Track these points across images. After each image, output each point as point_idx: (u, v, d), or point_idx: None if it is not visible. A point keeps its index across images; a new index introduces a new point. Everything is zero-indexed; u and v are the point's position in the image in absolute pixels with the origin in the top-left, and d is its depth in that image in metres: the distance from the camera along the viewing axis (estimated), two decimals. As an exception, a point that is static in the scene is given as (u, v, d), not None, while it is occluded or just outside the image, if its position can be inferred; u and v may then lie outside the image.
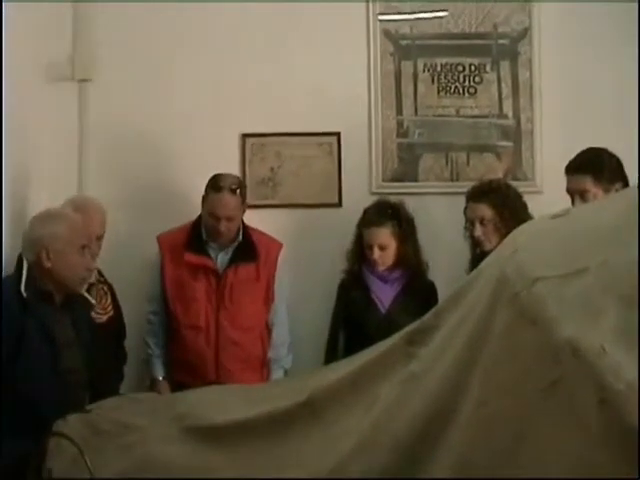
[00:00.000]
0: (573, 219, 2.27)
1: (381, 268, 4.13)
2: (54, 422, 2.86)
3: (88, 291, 3.89)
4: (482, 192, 3.94)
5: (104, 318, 3.96)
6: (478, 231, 3.87)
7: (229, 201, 4.06)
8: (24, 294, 3.18)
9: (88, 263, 3.40)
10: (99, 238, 3.90)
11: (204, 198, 4.12)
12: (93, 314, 3.89)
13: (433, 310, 2.46)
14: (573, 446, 1.60)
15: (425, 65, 4.58)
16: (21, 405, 3.08)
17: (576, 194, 3.65)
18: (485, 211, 3.87)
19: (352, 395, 2.46)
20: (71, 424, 2.84)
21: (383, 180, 4.59)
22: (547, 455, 1.67)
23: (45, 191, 4.32)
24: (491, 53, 4.58)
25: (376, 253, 4.09)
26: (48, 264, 3.24)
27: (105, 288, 4.05)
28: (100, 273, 4.06)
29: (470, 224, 3.95)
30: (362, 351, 2.71)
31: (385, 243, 4.10)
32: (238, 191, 4.09)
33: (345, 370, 2.59)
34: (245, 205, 4.19)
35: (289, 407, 2.56)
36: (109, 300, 4.04)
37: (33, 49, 4.22)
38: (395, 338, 2.53)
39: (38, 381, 3.15)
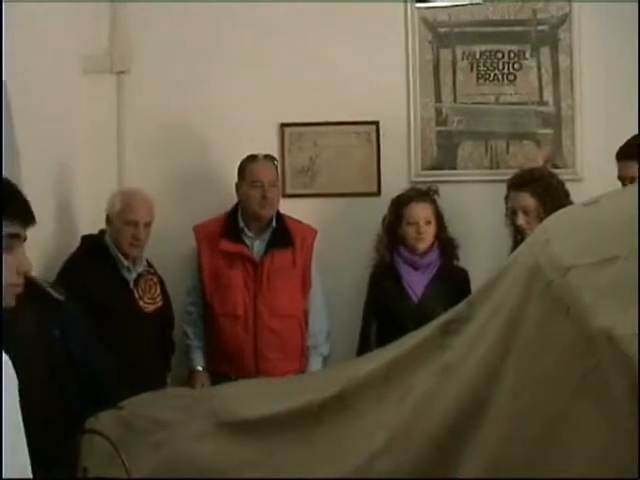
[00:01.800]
0: (604, 207, 2.24)
1: (421, 246, 4.12)
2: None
3: (137, 281, 3.96)
4: (525, 181, 3.89)
5: (152, 308, 4.00)
6: (521, 220, 3.83)
7: (267, 166, 4.15)
8: None
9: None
10: (147, 225, 3.95)
11: (240, 175, 4.17)
12: (142, 303, 3.96)
13: (466, 300, 2.45)
14: (604, 437, 1.59)
15: (464, 53, 4.55)
16: None
17: (627, 180, 3.59)
18: (528, 200, 3.82)
19: (385, 387, 2.46)
20: (103, 421, 2.86)
21: (422, 168, 4.57)
22: (578, 448, 1.66)
23: (85, 183, 4.38)
24: (530, 39, 4.53)
25: (423, 228, 4.10)
26: None
27: (155, 279, 4.08)
28: (149, 264, 4.11)
29: (512, 213, 3.91)
30: (395, 342, 2.71)
31: (429, 219, 4.13)
32: (273, 161, 4.20)
33: (378, 362, 2.59)
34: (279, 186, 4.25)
35: (322, 400, 2.57)
36: (158, 291, 4.07)
37: (71, 42, 4.29)
38: (428, 329, 2.52)
39: None
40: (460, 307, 2.44)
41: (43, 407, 3.05)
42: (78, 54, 4.45)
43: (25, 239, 2.02)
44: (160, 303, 4.06)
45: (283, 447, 2.58)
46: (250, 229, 4.17)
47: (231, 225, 4.18)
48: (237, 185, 4.20)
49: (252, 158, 4.16)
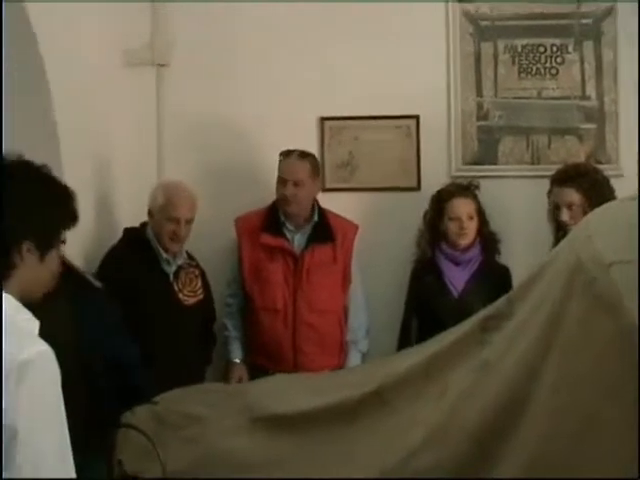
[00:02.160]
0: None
1: (463, 241, 4.10)
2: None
3: (177, 274, 3.98)
4: (570, 176, 3.83)
5: (192, 301, 4.01)
6: (565, 216, 3.77)
7: (297, 164, 4.11)
8: None
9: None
10: (188, 222, 3.95)
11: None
12: (181, 296, 3.97)
13: (506, 296, 2.43)
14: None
15: (505, 46, 4.49)
16: None
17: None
18: (573, 195, 3.76)
19: (424, 384, 2.45)
20: (138, 416, 2.89)
21: (462, 163, 4.53)
22: (612, 447, 1.64)
23: (124, 175, 4.40)
24: (574, 33, 4.46)
25: (465, 223, 4.08)
26: None
27: (196, 272, 4.09)
28: (190, 257, 4.13)
29: (556, 208, 3.84)
30: (434, 338, 2.69)
31: (471, 214, 4.11)
32: (309, 159, 4.14)
33: (417, 358, 2.58)
34: (318, 181, 4.24)
35: (359, 396, 2.56)
36: (199, 284, 4.08)
37: (113, 35, 4.30)
38: (468, 325, 2.50)
39: None
40: (500, 303, 2.42)
41: (76, 397, 3.13)
42: (119, 47, 4.45)
43: None
44: (201, 296, 4.07)
45: (319, 443, 2.58)
46: (291, 223, 4.17)
47: (272, 218, 4.18)
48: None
49: (286, 154, 4.15)
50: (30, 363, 1.77)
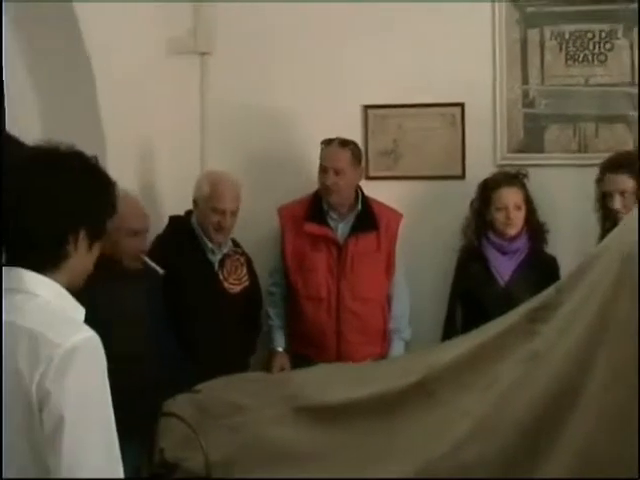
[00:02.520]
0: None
1: (511, 231, 4.05)
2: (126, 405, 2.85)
3: (222, 263, 3.97)
4: (622, 163, 3.76)
5: (237, 289, 4.02)
6: (618, 203, 3.70)
7: (337, 152, 4.09)
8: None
9: (140, 246, 3.44)
10: (233, 213, 3.94)
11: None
12: (226, 285, 3.97)
13: (555, 286, 2.39)
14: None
15: (552, 32, 4.41)
16: None
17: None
18: (627, 182, 3.69)
19: (470, 375, 2.42)
20: (180, 404, 2.90)
21: (508, 151, 4.46)
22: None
23: (168, 164, 4.42)
24: (623, 19, 4.36)
25: (512, 213, 4.03)
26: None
27: (242, 259, 4.09)
28: (236, 244, 4.12)
29: (607, 196, 3.78)
30: (479, 328, 2.66)
31: (519, 204, 4.06)
32: (349, 147, 4.11)
33: (462, 349, 2.55)
34: (361, 169, 4.21)
35: (403, 387, 2.54)
36: (244, 271, 4.08)
37: (156, 24, 4.32)
38: (515, 315, 2.47)
39: None
40: (548, 293, 2.39)
41: (148, 371, 3.25)
42: (162, 35, 4.47)
43: None
44: (246, 283, 4.07)
45: (362, 434, 2.57)
46: (334, 212, 4.15)
47: (316, 207, 4.17)
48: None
49: (327, 142, 4.13)
50: (76, 350, 1.76)
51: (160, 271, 3.54)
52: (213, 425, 2.83)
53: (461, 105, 4.48)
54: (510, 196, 4.05)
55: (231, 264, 4.02)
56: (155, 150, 4.43)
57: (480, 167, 4.37)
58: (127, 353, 3.13)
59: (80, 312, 1.95)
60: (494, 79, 4.45)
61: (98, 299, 3.12)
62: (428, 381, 2.50)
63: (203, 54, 4.59)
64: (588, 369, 2.00)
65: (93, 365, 1.80)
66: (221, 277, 3.98)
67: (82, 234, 1.92)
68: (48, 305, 1.85)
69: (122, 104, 4.00)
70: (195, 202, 4.00)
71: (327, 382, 2.93)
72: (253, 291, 4.16)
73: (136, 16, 4.06)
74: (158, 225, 4.10)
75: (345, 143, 4.13)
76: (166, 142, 4.48)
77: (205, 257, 3.97)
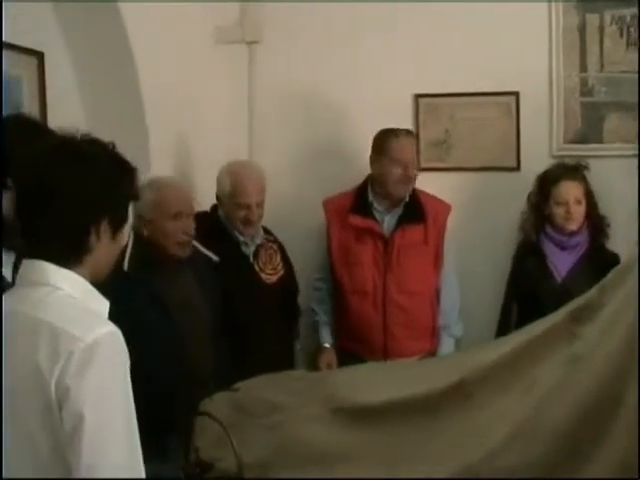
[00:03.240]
0: None
1: (571, 226, 3.93)
2: (181, 394, 2.93)
3: (256, 254, 3.89)
4: None
5: (274, 278, 3.94)
6: None
7: (410, 143, 4.02)
8: (125, 268, 3.17)
9: (184, 227, 3.35)
10: (259, 205, 3.84)
11: (378, 149, 4.02)
12: (263, 276, 3.89)
13: (599, 285, 2.26)
14: None
15: (612, 17, 4.21)
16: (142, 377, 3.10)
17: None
18: None
19: (509, 377, 2.34)
20: (217, 403, 2.85)
21: (565, 142, 4.30)
22: None
23: (215, 154, 4.37)
24: (688, 1, 4.18)
25: (572, 208, 3.91)
26: (146, 233, 3.27)
27: (275, 247, 4.02)
28: (268, 232, 4.04)
29: None
30: (522, 329, 2.54)
31: (580, 198, 3.93)
32: (413, 136, 4.06)
33: (502, 350, 2.45)
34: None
35: (442, 389, 2.46)
36: (278, 259, 4.00)
37: (203, 13, 4.28)
38: (558, 315, 2.36)
39: (155, 353, 3.07)
40: (592, 292, 2.27)
41: (206, 356, 3.34)
42: (210, 25, 4.44)
43: None
44: (282, 272, 4.00)
45: (400, 436, 2.50)
46: (380, 204, 4.05)
47: (361, 199, 4.08)
48: (372, 159, 4.06)
49: (393, 133, 4.00)
50: (98, 344, 1.71)
51: (214, 258, 3.52)
52: (249, 424, 2.80)
53: (516, 94, 4.34)
54: (571, 190, 3.93)
55: (265, 254, 3.95)
56: (202, 141, 4.38)
57: (536, 158, 4.24)
58: (187, 339, 3.26)
59: (104, 306, 1.90)
60: (551, 66, 4.30)
61: (156, 286, 3.23)
62: (467, 383, 2.41)
63: (251, 43, 4.55)
64: (629, 375, 1.88)
65: (115, 361, 1.76)
66: (257, 268, 3.90)
67: (104, 224, 1.86)
68: (70, 299, 1.81)
69: (169, 95, 3.98)
70: (218, 197, 3.91)
71: (366, 383, 2.86)
72: (289, 278, 4.08)
73: (184, 6, 4.04)
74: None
75: (410, 133, 4.06)
76: (214, 132, 4.45)
77: (239, 250, 3.88)
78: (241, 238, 3.86)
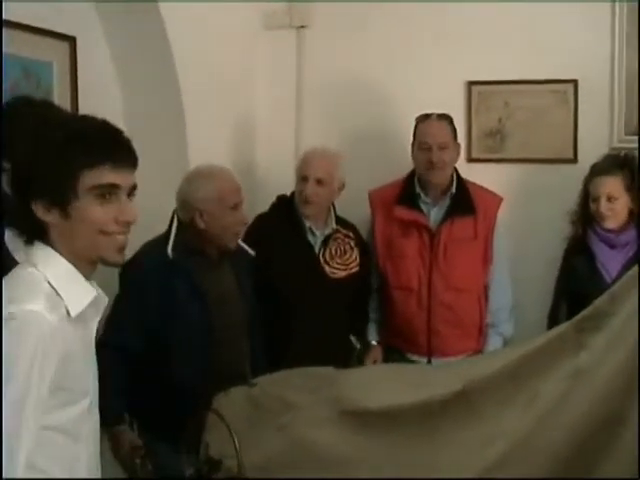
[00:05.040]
0: None
1: (609, 224, 3.71)
2: (212, 388, 2.85)
3: (326, 245, 3.82)
4: None
5: (342, 274, 3.83)
6: None
7: (439, 126, 3.85)
8: (170, 255, 3.16)
9: (242, 218, 3.34)
10: (319, 182, 3.74)
11: (414, 135, 3.92)
12: (327, 269, 3.81)
13: (608, 292, 2.08)
14: None
15: (679, 3, 3.98)
16: (171, 366, 3.14)
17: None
18: None
19: (511, 389, 2.22)
20: (232, 398, 2.82)
21: (625, 134, 4.10)
22: None
23: (264, 139, 4.45)
24: None
25: (603, 205, 3.69)
26: (202, 225, 3.22)
27: (352, 243, 3.92)
28: (347, 225, 3.96)
29: None
30: (532, 338, 2.37)
31: (614, 194, 3.69)
32: (448, 120, 3.86)
33: (506, 359, 2.31)
34: (459, 147, 3.95)
35: (445, 395, 2.31)
36: (354, 256, 3.89)
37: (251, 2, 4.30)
38: (565, 325, 2.18)
39: (187, 340, 3.16)
40: (601, 300, 2.10)
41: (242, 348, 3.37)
42: (259, 11, 4.43)
43: (131, 187, 1.93)
44: (355, 269, 3.88)
45: (402, 443, 2.39)
46: (427, 195, 3.90)
47: (407, 190, 3.93)
48: (412, 145, 3.93)
49: (424, 117, 3.88)
50: (10, 320, 1.71)
51: (251, 252, 3.47)
52: (262, 422, 2.74)
53: (574, 82, 4.17)
54: (602, 186, 3.71)
55: (337, 247, 3.85)
56: (251, 124, 4.42)
57: (594, 150, 4.00)
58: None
59: (83, 296, 1.87)
60: (612, 53, 4.10)
61: (198, 278, 3.23)
62: (470, 391, 2.28)
63: (299, 28, 4.49)
64: (634, 392, 1.71)
65: (21, 339, 1.71)
66: (322, 260, 3.80)
67: (40, 206, 1.82)
68: (33, 277, 1.81)
69: (217, 80, 4.00)
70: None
71: (374, 385, 2.76)
72: (362, 278, 3.95)
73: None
74: (254, 202, 4.09)
75: (445, 117, 3.88)
76: (262, 117, 4.47)
77: (304, 238, 3.81)
78: (307, 224, 3.80)
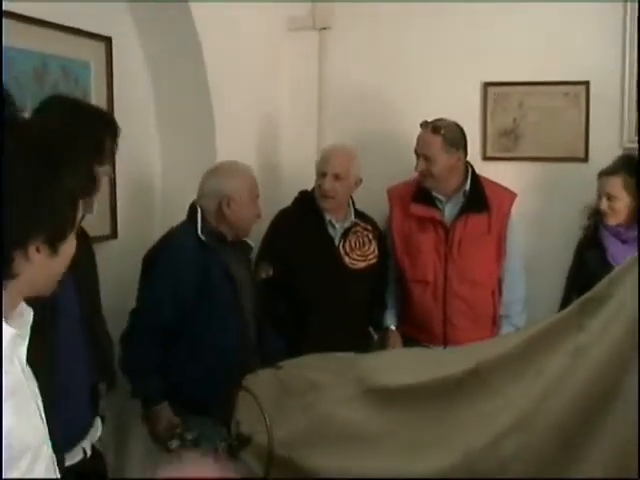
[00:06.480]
0: None
1: (610, 221, 3.84)
2: (240, 370, 3.00)
3: (345, 237, 3.96)
4: None
5: (361, 265, 3.96)
6: None
7: (427, 138, 3.92)
8: (202, 238, 3.33)
9: (259, 210, 3.52)
10: (337, 177, 3.88)
11: None
12: (347, 260, 3.94)
13: (608, 277, 2.23)
14: None
15: (689, 6, 4.07)
16: (206, 344, 3.31)
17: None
18: None
19: (520, 365, 2.33)
20: (260, 378, 2.95)
21: (636, 134, 4.19)
22: None
23: (286, 139, 4.48)
24: None
25: (604, 203, 3.82)
26: (228, 212, 3.39)
27: (370, 235, 4.04)
28: (365, 218, 4.09)
29: None
30: (543, 320, 2.51)
31: (613, 193, 3.81)
32: (442, 132, 3.90)
33: (516, 340, 2.44)
34: (458, 154, 3.94)
35: (458, 374, 2.45)
36: (372, 247, 4.02)
37: (275, 3, 4.37)
38: (569, 307, 2.33)
39: (222, 319, 3.33)
40: (601, 284, 2.23)
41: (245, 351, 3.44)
42: (282, 14, 4.53)
43: None
44: (373, 260, 4.01)
45: (419, 419, 2.51)
46: (441, 192, 4.02)
47: (422, 188, 4.04)
48: None
49: (423, 124, 3.96)
50: None
51: (252, 244, 3.63)
52: (288, 402, 2.85)
53: (586, 83, 4.28)
54: (604, 185, 3.84)
55: (356, 239, 3.99)
56: (274, 125, 4.50)
57: (605, 150, 4.14)
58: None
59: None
60: (623, 55, 4.21)
61: (227, 261, 3.40)
62: (483, 370, 2.41)
63: (322, 29, 4.59)
64: (630, 369, 1.85)
65: None
66: (342, 252, 3.94)
67: (34, 246, 1.55)
68: None
69: (241, 81, 4.09)
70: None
71: (393, 366, 2.88)
72: (380, 269, 4.08)
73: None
74: (278, 197, 4.20)
75: (437, 129, 3.91)
76: (285, 117, 4.57)
77: (325, 231, 3.95)
78: (327, 217, 3.94)
